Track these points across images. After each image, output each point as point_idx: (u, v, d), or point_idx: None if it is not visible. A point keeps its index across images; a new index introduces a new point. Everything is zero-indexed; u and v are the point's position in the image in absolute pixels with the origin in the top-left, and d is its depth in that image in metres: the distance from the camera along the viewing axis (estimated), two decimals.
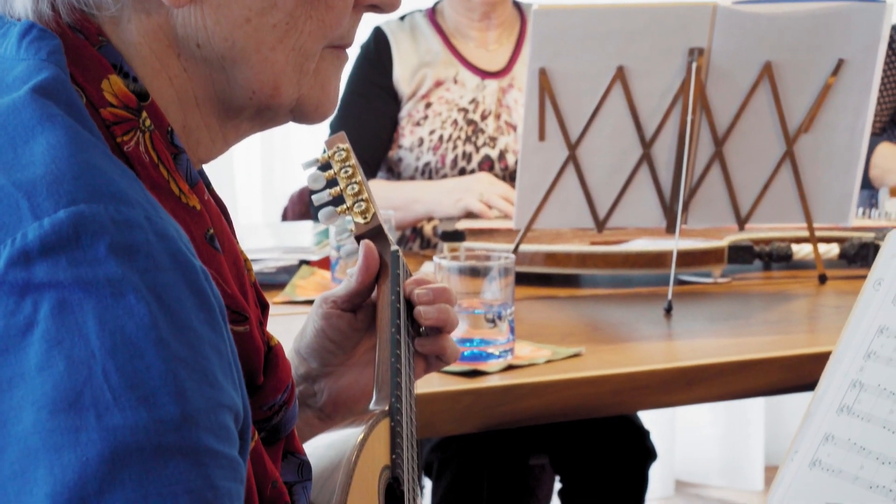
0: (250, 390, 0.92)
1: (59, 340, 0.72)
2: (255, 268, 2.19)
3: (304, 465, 1.02)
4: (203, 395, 0.75)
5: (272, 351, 0.97)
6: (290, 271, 2.41)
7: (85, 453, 0.70)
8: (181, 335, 0.75)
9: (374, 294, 1.31)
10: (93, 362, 0.72)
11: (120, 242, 0.75)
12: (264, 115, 0.96)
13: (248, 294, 0.96)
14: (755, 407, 4.14)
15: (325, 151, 1.35)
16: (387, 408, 1.17)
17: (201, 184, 0.93)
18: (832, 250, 2.55)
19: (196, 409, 0.74)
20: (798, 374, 1.88)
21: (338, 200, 1.34)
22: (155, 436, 0.72)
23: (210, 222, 0.91)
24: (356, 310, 1.29)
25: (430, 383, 1.68)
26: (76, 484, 0.69)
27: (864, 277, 1.49)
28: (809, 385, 1.88)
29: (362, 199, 1.33)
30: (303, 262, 2.42)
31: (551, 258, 2.40)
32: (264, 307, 1.03)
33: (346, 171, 1.33)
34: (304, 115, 0.97)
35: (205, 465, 0.73)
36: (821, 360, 1.74)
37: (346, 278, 1.29)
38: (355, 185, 1.33)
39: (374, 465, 1.10)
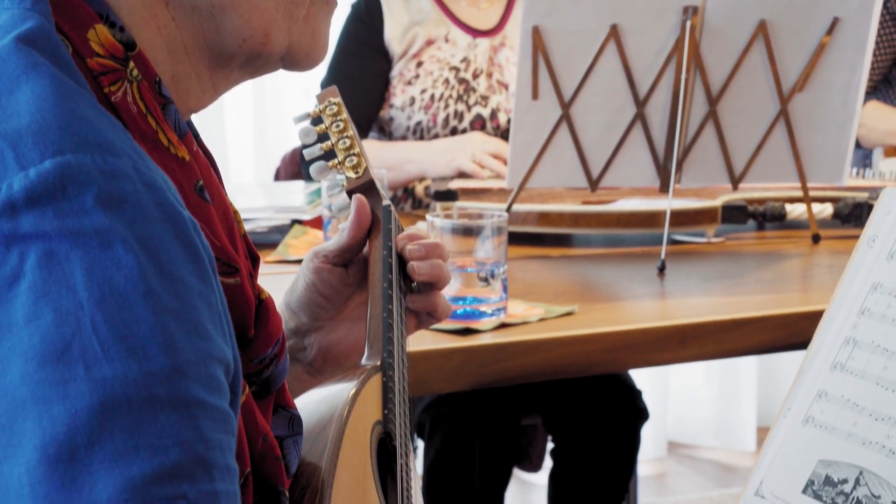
0: (241, 343, 0.91)
1: (46, 292, 0.71)
2: (247, 227, 2.18)
3: (294, 420, 1.02)
4: (193, 346, 0.74)
5: (263, 304, 0.96)
6: (282, 231, 2.40)
7: (74, 405, 0.69)
8: (170, 286, 0.74)
9: (365, 249, 1.30)
10: (81, 314, 0.71)
11: (107, 193, 0.73)
12: (255, 62, 0.95)
13: (238, 246, 0.95)
14: (748, 368, 4.15)
15: (316, 105, 1.34)
16: (378, 363, 1.17)
17: (190, 135, 0.92)
18: (826, 210, 2.54)
19: (186, 360, 0.73)
20: (791, 333, 1.87)
21: (329, 155, 1.33)
22: (144, 388, 0.71)
23: (199, 173, 0.90)
24: (347, 264, 1.28)
25: (422, 341, 1.67)
26: (65, 436, 0.69)
27: (857, 237, 1.49)
28: (803, 343, 1.88)
29: (354, 154, 1.32)
30: (295, 222, 2.41)
31: (544, 218, 2.39)
32: (255, 260, 1.02)
33: (338, 126, 1.32)
34: (294, 62, 0.96)
35: (195, 416, 0.72)
36: (814, 318, 1.73)
37: (338, 232, 1.28)
38: (347, 140, 1.32)
39: (365, 420, 1.09)
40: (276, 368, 0.98)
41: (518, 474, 3.67)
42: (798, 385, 1.47)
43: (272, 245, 2.30)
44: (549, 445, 2.76)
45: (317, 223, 2.39)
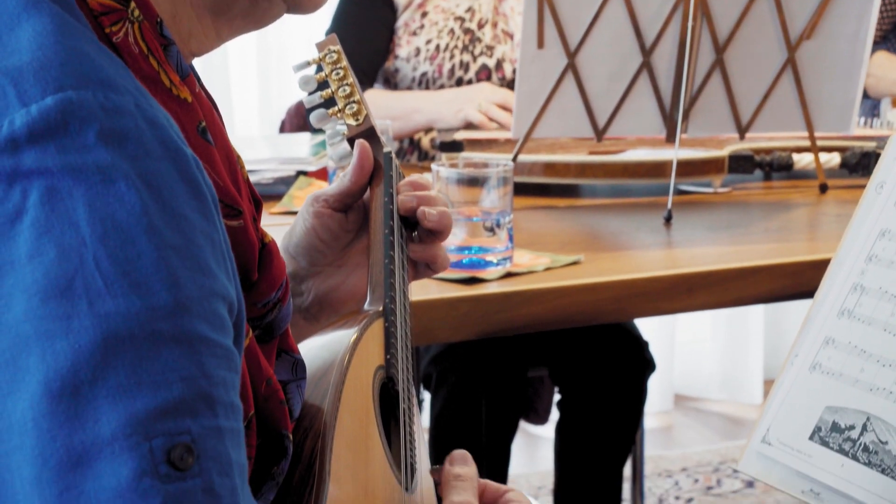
0: (244, 287, 0.90)
1: (48, 228, 0.71)
2: (252, 179, 2.17)
3: (298, 364, 1.01)
4: (196, 283, 0.73)
5: (266, 247, 0.96)
6: (287, 182, 2.39)
7: (77, 340, 0.69)
8: (173, 223, 0.74)
9: (366, 196, 1.30)
10: (84, 250, 0.71)
11: (109, 129, 0.73)
12: (258, 6, 0.94)
13: (241, 189, 0.94)
14: (755, 321, 4.15)
15: (316, 54, 1.33)
16: (381, 308, 1.16)
17: (192, 76, 0.91)
18: (833, 160, 2.53)
19: (189, 296, 0.73)
20: (798, 282, 1.87)
21: (329, 103, 1.33)
22: (148, 323, 0.70)
23: (201, 115, 0.90)
24: (347, 210, 1.28)
25: (427, 290, 1.67)
26: (69, 371, 0.68)
27: (864, 187, 1.48)
28: (809, 292, 1.87)
29: (354, 101, 1.32)
30: (300, 173, 2.40)
31: (550, 168, 2.39)
32: (258, 204, 1.01)
33: (338, 73, 1.32)
34: (298, 5, 0.95)
35: (199, 353, 0.72)
36: (821, 267, 1.73)
37: (340, 178, 1.28)
38: (347, 87, 1.32)
39: (368, 364, 1.09)
40: (279, 313, 0.98)
41: (524, 427, 3.67)
42: (805, 332, 1.46)
43: (277, 196, 2.29)
44: (556, 397, 2.77)
45: (322, 175, 2.39)
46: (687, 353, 4.22)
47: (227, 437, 0.73)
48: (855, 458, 1.35)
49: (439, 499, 1.10)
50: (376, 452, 1.05)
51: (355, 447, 1.01)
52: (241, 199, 0.92)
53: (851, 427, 1.36)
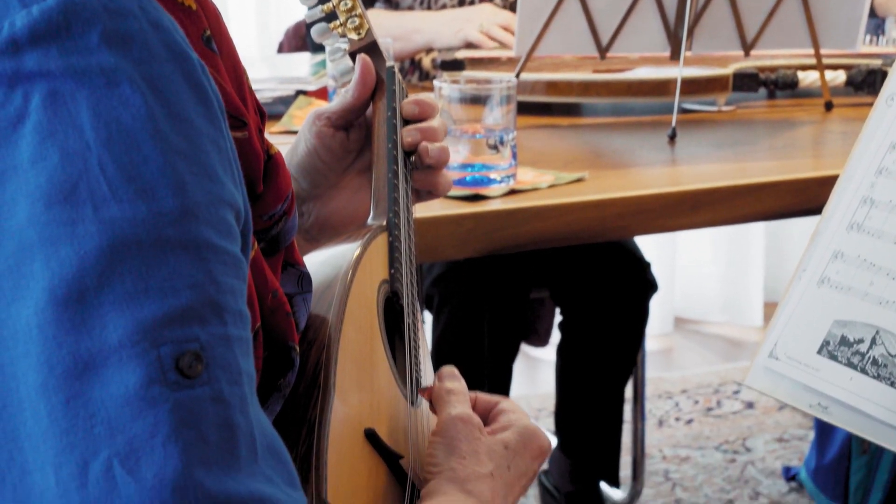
0: (250, 199, 0.88)
1: (51, 132, 0.69)
2: None
3: (303, 277, 1.00)
4: (203, 188, 0.72)
5: (272, 159, 0.94)
6: (286, 102, 2.36)
7: (82, 246, 0.67)
8: (179, 127, 0.72)
9: (368, 112, 1.28)
10: (88, 154, 0.69)
11: (113, 31, 0.71)
12: None
13: (247, 100, 0.92)
14: (755, 244, 4.14)
15: None
16: (384, 222, 1.15)
17: None
18: (838, 77, 2.51)
19: (196, 202, 0.71)
20: (804, 198, 1.85)
21: (330, 17, 1.31)
22: (154, 229, 0.69)
23: (206, 23, 0.87)
24: (349, 127, 1.26)
25: (431, 208, 1.65)
26: (74, 277, 0.67)
27: (870, 105, 1.46)
28: (815, 209, 1.86)
29: (356, 15, 1.30)
30: (299, 93, 2.38)
31: (553, 87, 2.36)
32: (262, 116, 0.99)
33: None
34: None
35: (206, 259, 0.70)
36: (827, 183, 1.71)
37: (342, 94, 1.26)
38: (348, 1, 1.29)
39: (372, 278, 1.08)
40: (285, 225, 0.96)
41: (524, 350, 3.67)
42: (813, 246, 1.45)
43: (276, 116, 2.27)
44: (557, 319, 2.76)
45: (321, 94, 2.36)
46: (687, 275, 4.21)
47: (236, 346, 0.71)
48: (864, 371, 1.34)
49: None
50: (381, 366, 1.04)
51: (360, 360, 1.00)
52: (247, 110, 0.90)
53: (860, 340, 1.35)
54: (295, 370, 0.92)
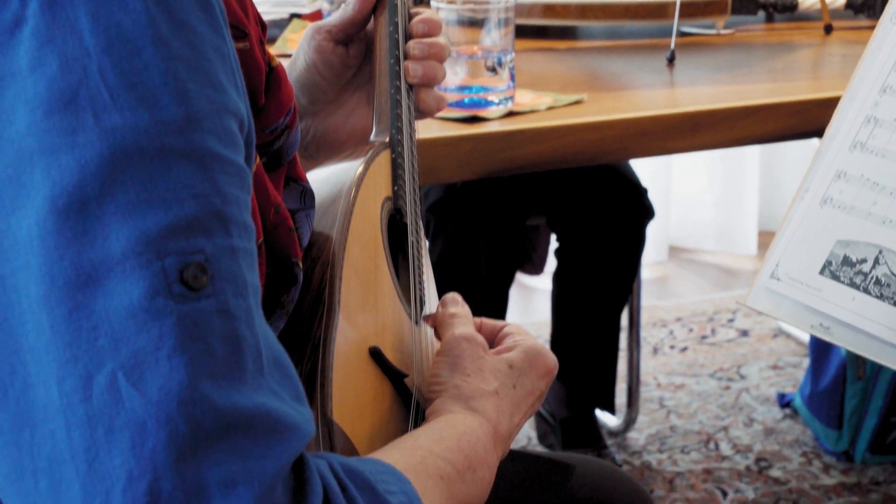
0: (252, 112, 0.87)
1: (50, 38, 0.67)
2: None
3: (306, 193, 0.98)
4: (206, 97, 0.70)
5: (274, 71, 0.92)
6: (280, 25, 2.33)
7: (83, 155, 0.66)
8: (181, 34, 0.70)
9: (369, 27, 1.25)
10: (87, 61, 0.67)
11: None
12: None
13: (248, 10, 0.90)
14: (750, 172, 4.12)
15: None
16: (387, 139, 1.13)
17: None
18: (838, 0, 2.48)
19: (199, 110, 0.69)
20: (804, 120, 1.84)
21: None
22: (157, 137, 0.67)
23: None
24: (349, 42, 1.23)
25: (429, 130, 1.64)
26: (75, 186, 0.65)
27: (870, 28, 1.44)
28: (815, 131, 1.84)
29: None
30: (294, 16, 2.35)
31: (549, 10, 2.33)
32: (264, 28, 0.97)
33: None
34: None
35: (211, 169, 0.69)
36: (826, 105, 1.70)
37: (342, 7, 1.23)
38: None
39: (375, 195, 1.06)
40: (287, 139, 0.95)
41: (519, 278, 3.67)
42: (816, 166, 1.43)
43: (270, 40, 2.24)
44: (552, 247, 2.75)
45: (316, 17, 2.33)
46: (682, 204, 4.20)
47: (241, 258, 0.70)
48: (866, 291, 1.33)
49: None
50: (385, 284, 1.03)
51: (364, 278, 0.99)
52: (248, 20, 0.88)
53: (863, 260, 1.34)
54: (298, 286, 0.90)
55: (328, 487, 0.71)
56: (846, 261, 1.36)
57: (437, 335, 1.06)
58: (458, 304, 1.07)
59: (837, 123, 1.43)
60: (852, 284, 1.34)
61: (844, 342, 1.35)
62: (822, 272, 1.37)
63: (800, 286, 1.38)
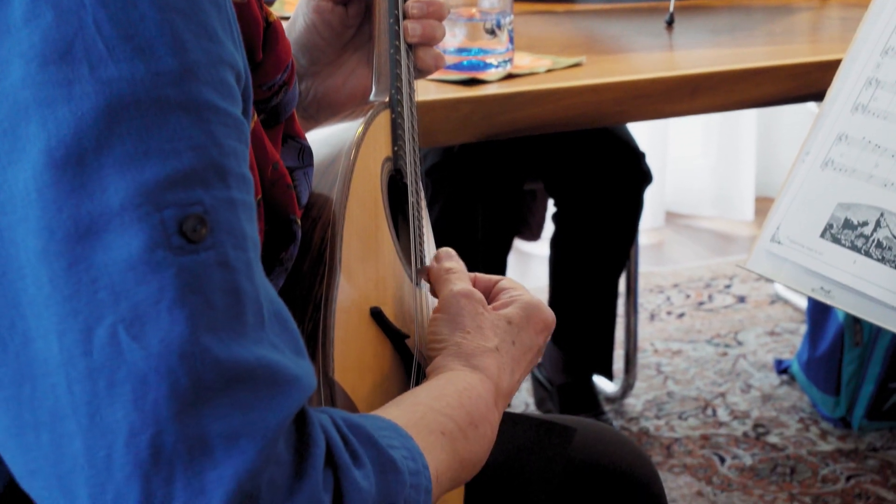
0: (250, 67, 0.85)
1: None
2: None
3: (304, 150, 0.97)
4: (203, 48, 0.69)
5: (272, 27, 0.91)
6: None
7: (79, 107, 0.65)
8: None
9: None
10: (82, 12, 0.66)
11: None
12: None
13: None
14: (747, 138, 4.11)
15: None
16: (387, 99, 1.12)
17: None
18: None
19: (196, 62, 0.68)
20: (803, 83, 1.83)
21: None
22: (153, 89, 0.66)
23: None
24: (348, 2, 1.22)
25: (427, 92, 1.63)
26: (72, 139, 0.64)
27: None
28: (815, 94, 1.83)
29: None
30: None
31: None
32: None
33: None
34: None
35: (208, 121, 0.68)
36: (826, 68, 1.69)
37: None
38: None
39: (375, 155, 1.05)
40: (285, 96, 0.94)
41: (516, 244, 3.66)
42: (816, 129, 1.43)
43: (267, 2, 2.22)
44: (550, 212, 2.74)
45: None
46: (678, 170, 4.19)
47: (241, 210, 0.69)
48: (868, 254, 1.32)
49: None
50: (385, 245, 1.02)
51: (365, 238, 0.98)
52: None
53: (864, 223, 1.34)
54: (297, 244, 0.90)
55: (331, 441, 0.70)
56: (847, 224, 1.35)
57: (433, 291, 1.05)
58: (452, 259, 1.06)
59: (839, 85, 1.43)
60: (853, 247, 1.34)
61: (845, 305, 1.34)
62: (823, 235, 1.36)
63: (801, 249, 1.38)
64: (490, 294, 1.07)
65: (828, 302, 1.35)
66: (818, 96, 1.45)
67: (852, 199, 1.36)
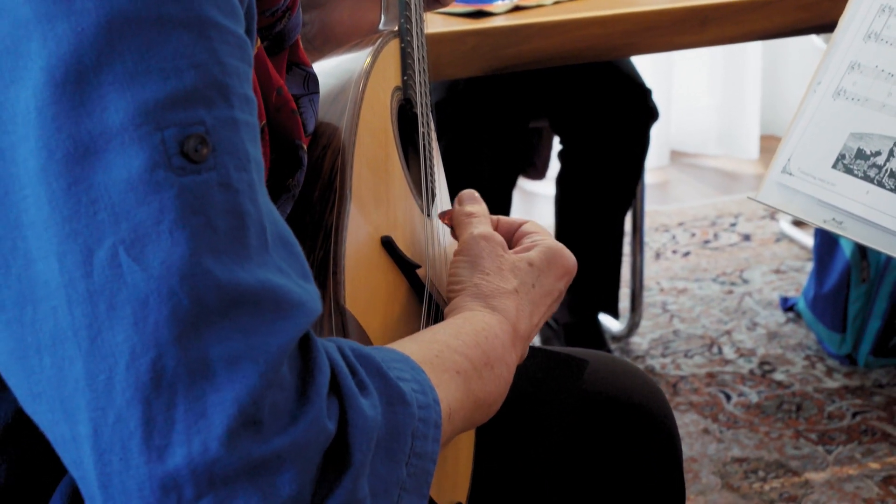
0: None
1: None
2: None
3: (310, 77, 0.95)
4: None
5: None
6: None
7: (79, 23, 0.63)
8: None
9: None
10: None
11: None
12: None
13: None
14: (751, 76, 4.08)
15: None
16: (396, 28, 1.10)
17: None
18: None
19: None
20: (813, 14, 1.80)
21: None
22: (154, 5, 0.64)
23: None
24: None
25: (432, 24, 1.60)
26: (72, 56, 0.62)
27: None
28: (825, 26, 1.81)
29: None
30: None
31: None
32: None
33: None
34: None
35: (210, 38, 0.66)
36: None
37: None
38: None
39: (385, 84, 1.03)
40: (288, 22, 0.91)
41: (521, 184, 3.64)
42: (828, 58, 1.40)
43: None
44: (555, 151, 2.72)
45: None
46: (683, 109, 4.16)
47: (243, 130, 0.67)
48: (881, 184, 1.30)
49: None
50: (396, 174, 1.01)
51: (375, 167, 0.96)
52: None
53: (877, 153, 1.32)
54: (303, 170, 0.88)
55: (336, 368, 0.69)
56: (860, 154, 1.33)
57: (454, 234, 1.03)
58: (475, 202, 1.05)
59: (851, 13, 1.40)
60: (866, 178, 1.32)
61: (857, 236, 1.32)
62: (835, 166, 1.34)
63: (812, 180, 1.36)
64: (513, 238, 1.06)
65: (840, 233, 1.34)
66: (829, 27, 1.42)
67: (865, 128, 1.34)
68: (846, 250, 2.62)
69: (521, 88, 2.40)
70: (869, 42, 1.37)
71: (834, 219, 1.34)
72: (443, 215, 1.06)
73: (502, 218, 1.08)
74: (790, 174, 1.38)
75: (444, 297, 0.99)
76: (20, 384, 0.65)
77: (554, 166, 2.74)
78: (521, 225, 1.07)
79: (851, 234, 1.33)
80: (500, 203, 2.49)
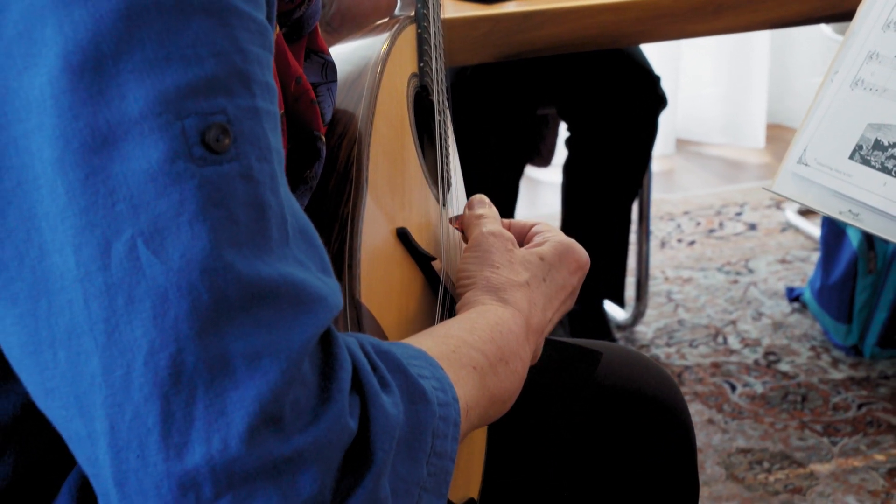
0: None
1: None
2: None
3: (328, 66, 0.94)
4: None
5: None
6: None
7: (97, 9, 0.61)
8: None
9: None
10: None
11: None
12: None
13: None
14: (758, 65, 4.06)
15: None
16: (412, 14, 1.09)
17: None
18: None
19: None
20: (830, 3, 1.78)
21: None
22: None
23: None
24: None
25: (445, 10, 1.58)
26: (90, 43, 0.60)
27: None
28: (841, 14, 1.79)
29: None
30: None
31: None
32: None
33: None
34: None
35: (231, 25, 0.64)
36: None
37: None
38: None
39: (401, 70, 1.02)
40: (308, 9, 0.90)
41: (526, 172, 3.62)
42: (846, 47, 1.38)
43: None
44: (562, 138, 2.71)
45: None
46: (689, 97, 4.14)
47: (265, 119, 0.65)
48: None
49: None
50: (412, 163, 0.99)
51: (391, 156, 0.94)
52: None
53: (895, 144, 1.30)
54: (321, 161, 0.86)
55: (358, 365, 0.67)
56: (877, 145, 1.31)
57: (465, 237, 1.02)
58: (485, 206, 1.03)
59: (869, 2, 1.38)
60: (884, 169, 1.30)
61: (874, 228, 1.31)
62: (851, 157, 1.33)
63: (828, 171, 1.34)
64: (524, 238, 1.04)
65: (856, 225, 1.32)
66: (843, 16, 1.41)
67: (883, 119, 1.32)
68: (853, 240, 2.60)
69: (530, 75, 2.38)
70: (888, 31, 1.35)
71: (850, 210, 1.33)
72: (453, 220, 1.05)
73: (514, 220, 1.07)
74: (806, 165, 1.36)
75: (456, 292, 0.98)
76: (33, 379, 0.64)
77: (560, 154, 2.72)
78: (532, 226, 1.06)
79: (867, 225, 1.31)
80: (507, 192, 2.48)
